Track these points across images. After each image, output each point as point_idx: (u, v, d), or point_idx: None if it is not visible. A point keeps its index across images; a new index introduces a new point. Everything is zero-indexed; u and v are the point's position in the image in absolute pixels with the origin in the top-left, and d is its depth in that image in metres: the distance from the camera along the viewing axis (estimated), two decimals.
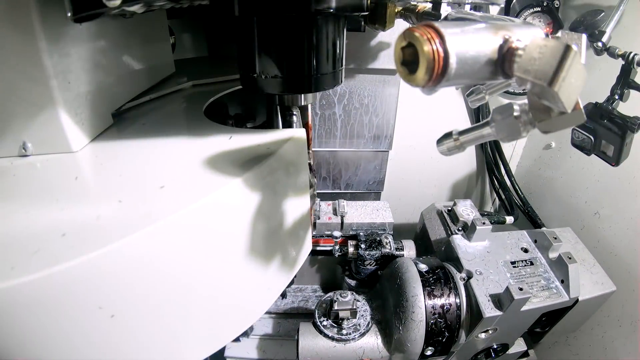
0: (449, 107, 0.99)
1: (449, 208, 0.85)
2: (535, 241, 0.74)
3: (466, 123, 1.01)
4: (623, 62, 0.64)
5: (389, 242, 0.85)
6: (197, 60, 0.94)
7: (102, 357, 0.35)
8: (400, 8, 0.59)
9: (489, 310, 0.61)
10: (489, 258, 0.70)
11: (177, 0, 0.45)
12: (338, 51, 0.46)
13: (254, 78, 0.45)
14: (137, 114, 0.59)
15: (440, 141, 0.35)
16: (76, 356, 0.34)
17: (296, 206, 0.49)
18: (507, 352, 0.76)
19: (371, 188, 1.07)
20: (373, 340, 0.71)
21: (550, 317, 0.72)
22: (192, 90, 0.70)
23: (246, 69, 0.46)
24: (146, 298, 0.35)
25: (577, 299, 0.65)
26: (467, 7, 0.74)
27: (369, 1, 0.41)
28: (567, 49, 0.22)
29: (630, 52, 0.63)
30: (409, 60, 0.26)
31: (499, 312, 0.60)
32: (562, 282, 0.66)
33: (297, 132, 0.48)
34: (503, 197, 1.04)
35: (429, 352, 0.66)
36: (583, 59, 0.28)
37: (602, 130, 0.67)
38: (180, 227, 0.35)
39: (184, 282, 0.37)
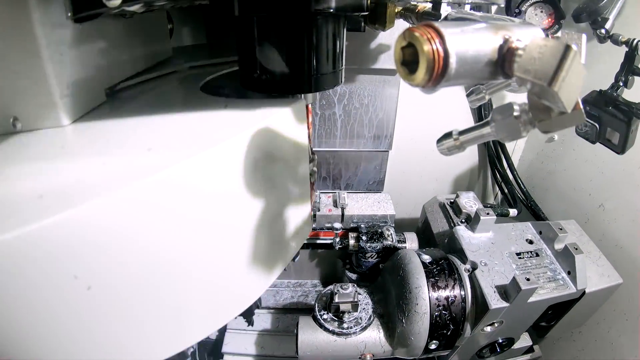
0: (450, 100, 0.99)
1: (452, 200, 0.83)
2: (540, 233, 0.73)
3: (468, 116, 1.01)
4: (627, 49, 0.63)
5: (391, 234, 0.83)
6: (195, 47, 0.92)
7: (74, 336, 0.32)
8: (400, 8, 0.59)
9: (495, 301, 0.59)
10: (494, 249, 0.69)
11: (177, 0, 0.46)
12: (338, 51, 0.46)
13: (254, 78, 0.45)
14: (131, 93, 0.57)
15: (440, 141, 0.35)
16: (45, 332, 0.31)
17: (295, 176, 0.47)
18: (512, 347, 0.75)
19: (371, 188, 1.07)
20: (375, 334, 0.69)
21: (556, 311, 0.71)
22: (188, 72, 0.69)
23: (246, 69, 0.46)
24: (127, 268, 0.32)
25: (584, 291, 0.65)
26: (467, 7, 0.74)
27: (369, 1, 0.41)
28: (567, 48, 0.22)
29: (634, 39, 0.62)
30: (409, 60, 0.26)
31: (505, 304, 0.59)
32: (568, 273, 0.65)
33: (297, 101, 0.47)
34: (505, 190, 1.03)
35: (433, 346, 0.65)
36: (583, 59, 0.28)
37: (607, 118, 0.65)
38: (165, 187, 0.32)
39: (169, 251, 0.34)
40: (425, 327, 0.63)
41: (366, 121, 0.93)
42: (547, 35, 0.27)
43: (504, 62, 0.26)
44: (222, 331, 0.91)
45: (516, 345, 0.76)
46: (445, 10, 0.50)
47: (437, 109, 1.01)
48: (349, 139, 0.96)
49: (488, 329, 0.65)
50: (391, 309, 0.69)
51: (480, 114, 0.98)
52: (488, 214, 0.70)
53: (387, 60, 0.84)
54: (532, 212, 0.97)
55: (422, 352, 0.66)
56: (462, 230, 0.72)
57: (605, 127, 0.67)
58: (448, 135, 0.34)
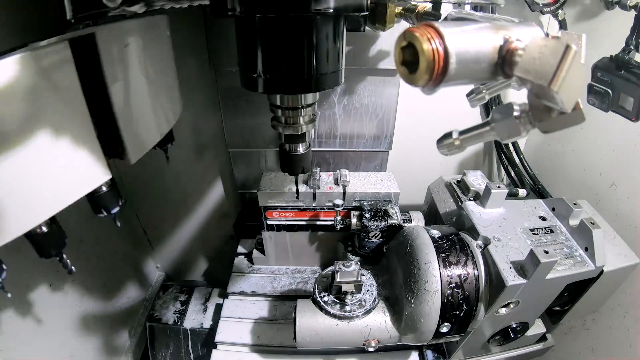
0: (451, 100, 0.99)
1: (458, 179, 0.80)
2: (554, 209, 0.69)
3: (472, 115, 1.01)
4: (636, 13, 0.63)
5: (396, 212, 0.78)
6: None
7: None
8: (400, 8, 0.59)
9: (511, 277, 0.55)
10: (506, 225, 0.65)
11: (177, 0, 0.46)
12: (338, 51, 0.46)
13: (254, 78, 0.45)
14: None
15: (440, 141, 0.35)
16: None
17: None
18: (525, 334, 0.71)
19: None
20: (380, 318, 0.64)
21: (571, 294, 0.69)
22: None
23: (246, 69, 0.46)
24: None
25: (603, 270, 0.61)
26: (467, 7, 0.74)
27: (369, 1, 0.41)
28: (567, 48, 0.22)
29: None
30: (409, 60, 0.26)
31: (522, 280, 0.55)
32: (585, 250, 0.62)
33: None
34: (512, 174, 1.02)
35: (444, 329, 0.59)
36: (583, 59, 0.28)
37: (619, 82, 0.64)
38: None
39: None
40: (436, 307, 0.58)
41: (366, 121, 0.93)
42: (546, 35, 0.27)
43: (504, 62, 0.26)
44: (216, 320, 0.89)
45: (531, 333, 0.72)
46: (445, 10, 0.50)
47: (441, 107, 1.00)
48: (349, 139, 0.96)
49: (503, 310, 0.61)
50: (398, 290, 0.64)
51: (488, 112, 0.97)
52: (499, 187, 0.67)
53: (387, 61, 0.84)
54: (540, 195, 0.95)
55: (432, 336, 0.60)
56: (472, 206, 0.68)
57: (619, 92, 0.64)
58: (448, 135, 0.34)
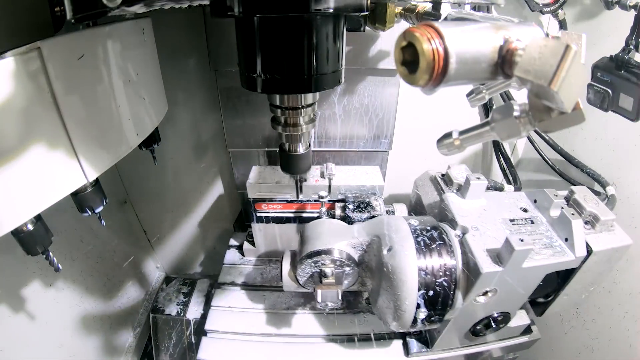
0: (451, 100, 0.99)
1: (443, 173, 0.81)
2: (535, 201, 0.70)
3: (470, 109, 1.01)
4: (636, 13, 0.63)
5: (380, 204, 0.80)
6: None
7: None
8: (400, 8, 0.59)
9: (487, 265, 0.56)
10: (486, 215, 0.66)
11: (177, 0, 0.46)
12: (338, 51, 0.46)
13: (254, 78, 0.45)
14: None
15: (440, 141, 0.35)
16: None
17: None
18: (509, 325, 0.72)
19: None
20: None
21: (555, 284, 0.69)
22: None
23: (246, 69, 0.46)
24: None
25: (588, 256, 0.61)
26: (467, 7, 0.74)
27: (369, 1, 0.41)
28: (567, 49, 0.22)
29: None
30: (409, 60, 0.26)
31: (498, 268, 0.56)
32: (566, 240, 0.62)
33: None
34: (508, 173, 1.01)
35: (422, 315, 0.61)
36: (583, 59, 0.28)
37: (619, 82, 0.64)
38: None
39: None
40: (413, 294, 0.59)
41: (366, 121, 0.93)
42: (546, 35, 0.27)
43: (504, 62, 0.26)
44: (207, 309, 0.91)
45: (513, 324, 0.73)
46: (445, 10, 0.50)
47: (441, 107, 1.00)
48: (349, 139, 0.96)
49: (481, 299, 0.62)
50: (377, 278, 0.67)
51: (487, 112, 0.97)
52: (479, 178, 0.68)
53: (387, 60, 0.84)
54: None
55: (410, 322, 0.63)
56: (451, 197, 0.69)
57: (618, 92, 0.64)
58: (448, 135, 0.34)
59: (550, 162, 0.93)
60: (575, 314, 0.91)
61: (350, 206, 0.80)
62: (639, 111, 0.63)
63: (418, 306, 0.60)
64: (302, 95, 0.50)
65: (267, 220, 0.89)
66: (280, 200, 0.86)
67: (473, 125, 0.33)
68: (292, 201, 0.86)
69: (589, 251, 0.62)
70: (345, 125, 0.93)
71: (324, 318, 0.84)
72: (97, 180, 0.58)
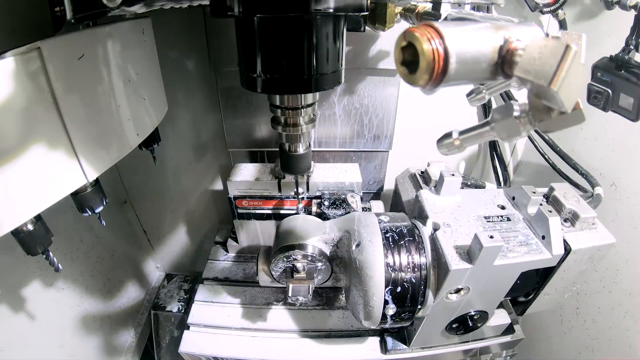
0: (452, 99, 0.99)
1: (422, 170, 0.81)
2: (514, 198, 0.68)
3: (470, 109, 1.01)
4: (636, 13, 0.62)
5: (356, 201, 0.81)
6: None
7: None
8: (400, 8, 0.59)
9: (455, 262, 0.55)
10: (460, 212, 0.65)
11: (177, 0, 0.46)
12: (338, 51, 0.46)
13: (254, 78, 0.45)
14: None
15: (440, 141, 0.35)
16: None
17: None
18: (488, 325, 0.71)
19: (371, 188, 1.07)
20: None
21: (536, 284, 0.68)
22: None
23: (246, 69, 0.46)
24: None
25: (566, 254, 0.60)
26: (467, 7, 0.74)
27: (368, 1, 0.41)
28: (567, 48, 0.22)
29: None
30: (409, 60, 0.26)
31: (467, 265, 0.55)
32: (543, 238, 0.61)
33: None
34: (500, 175, 1.02)
35: (390, 312, 0.61)
36: (583, 59, 0.28)
37: (619, 82, 0.63)
38: None
39: None
40: (380, 291, 0.59)
41: (366, 121, 0.93)
42: (546, 35, 0.27)
43: (504, 62, 0.26)
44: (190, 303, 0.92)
45: (493, 323, 0.73)
46: (445, 10, 0.50)
47: (441, 107, 1.00)
48: (349, 139, 0.96)
49: (454, 297, 0.61)
50: (347, 274, 0.68)
51: (486, 112, 0.97)
52: (453, 175, 0.67)
53: (387, 60, 0.84)
54: None
55: (379, 318, 0.62)
56: (425, 193, 0.69)
57: (619, 92, 0.64)
58: (448, 135, 0.34)
59: (550, 162, 0.93)
60: (575, 314, 0.91)
61: (326, 202, 0.81)
62: (639, 111, 0.62)
63: (386, 302, 0.60)
64: (302, 95, 0.50)
65: (248, 216, 0.90)
66: (259, 197, 0.86)
67: (473, 125, 0.33)
68: (271, 198, 0.86)
69: (567, 249, 0.60)
70: (345, 125, 0.93)
71: (302, 314, 0.85)
72: (97, 180, 0.58)
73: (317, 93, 0.52)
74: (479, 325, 0.69)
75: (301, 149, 0.57)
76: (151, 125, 0.68)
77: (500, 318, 0.75)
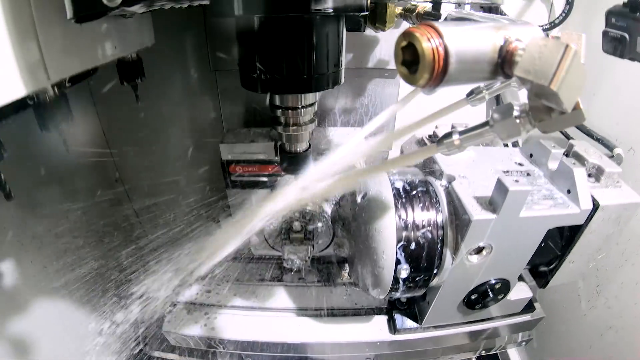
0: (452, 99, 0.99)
1: (430, 133, 0.76)
2: (531, 155, 0.62)
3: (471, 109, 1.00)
4: None
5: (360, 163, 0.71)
6: None
7: None
8: (400, 8, 0.59)
9: (477, 212, 0.48)
10: (475, 166, 0.58)
11: (177, 0, 0.46)
12: (338, 51, 0.46)
13: (254, 78, 0.45)
14: None
15: (440, 141, 0.35)
16: None
17: None
18: (508, 298, 0.64)
19: None
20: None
21: (560, 249, 0.61)
22: None
23: (246, 69, 0.46)
24: None
25: (595, 211, 0.54)
26: (467, 7, 0.74)
27: (369, 1, 0.41)
28: (567, 48, 0.22)
29: None
30: (409, 60, 0.26)
31: (491, 215, 0.48)
32: (568, 192, 0.55)
33: None
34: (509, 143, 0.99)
35: (404, 274, 0.53)
36: (583, 59, 0.28)
37: (636, 25, 0.59)
38: None
39: None
40: (391, 250, 0.52)
41: (366, 121, 0.93)
42: (546, 35, 0.27)
43: (504, 62, 0.26)
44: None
45: (514, 297, 0.66)
46: (445, 10, 0.50)
47: (441, 107, 1.00)
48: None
49: (474, 258, 0.54)
50: (354, 237, 0.60)
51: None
52: (465, 127, 0.63)
53: (388, 61, 0.83)
54: None
55: (390, 282, 0.54)
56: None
57: (636, 36, 0.59)
58: (448, 135, 0.34)
59: (563, 130, 0.86)
60: (595, 293, 0.84)
61: None
62: None
63: (398, 262, 0.52)
64: (302, 95, 0.50)
65: (242, 185, 0.81)
66: (255, 162, 0.76)
67: (473, 125, 0.33)
68: (268, 162, 0.76)
69: (596, 205, 0.54)
70: (345, 125, 0.93)
71: (300, 290, 0.78)
72: (63, 93, 0.49)
73: (317, 93, 0.52)
74: (499, 297, 0.62)
75: (301, 149, 0.57)
76: (132, 45, 0.61)
77: (520, 292, 0.68)
